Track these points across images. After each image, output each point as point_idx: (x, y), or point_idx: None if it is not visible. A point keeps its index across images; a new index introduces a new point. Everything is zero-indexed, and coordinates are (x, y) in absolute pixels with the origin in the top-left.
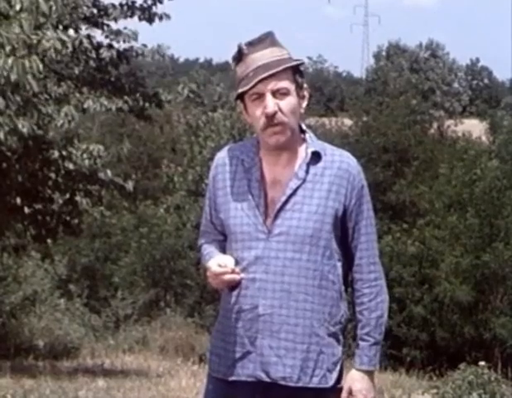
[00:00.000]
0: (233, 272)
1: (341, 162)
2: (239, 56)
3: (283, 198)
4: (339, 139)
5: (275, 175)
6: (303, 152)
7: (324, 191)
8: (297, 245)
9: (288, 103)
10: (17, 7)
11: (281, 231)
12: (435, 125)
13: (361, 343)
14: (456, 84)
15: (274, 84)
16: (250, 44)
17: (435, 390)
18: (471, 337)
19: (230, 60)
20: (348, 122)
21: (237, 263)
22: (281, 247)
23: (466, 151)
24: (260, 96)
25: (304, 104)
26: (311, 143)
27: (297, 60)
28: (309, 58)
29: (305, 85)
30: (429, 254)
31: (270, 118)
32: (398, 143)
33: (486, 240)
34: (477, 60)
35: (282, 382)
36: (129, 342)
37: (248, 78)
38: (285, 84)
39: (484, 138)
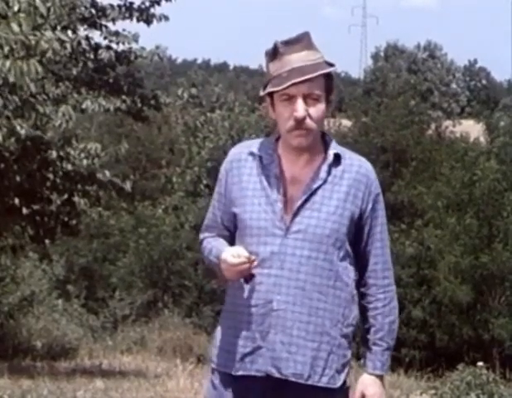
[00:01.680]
0: (249, 262)
1: (360, 166)
2: (274, 54)
3: (304, 196)
4: (337, 140)
5: (294, 173)
6: (323, 154)
7: (342, 194)
8: (314, 244)
9: (318, 109)
10: (15, 8)
11: (299, 229)
12: (433, 126)
13: (374, 348)
14: (454, 85)
15: (307, 89)
16: (287, 43)
17: (433, 391)
18: (470, 338)
19: (265, 55)
20: (346, 122)
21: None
22: (298, 244)
23: (465, 152)
24: (290, 98)
25: (330, 108)
26: (332, 146)
27: (330, 64)
28: None
29: (333, 91)
30: (428, 255)
31: (299, 123)
32: (396, 144)
33: (485, 241)
34: (475, 61)
35: (293, 379)
36: (127, 342)
37: (281, 78)
38: (317, 90)
39: (482, 139)
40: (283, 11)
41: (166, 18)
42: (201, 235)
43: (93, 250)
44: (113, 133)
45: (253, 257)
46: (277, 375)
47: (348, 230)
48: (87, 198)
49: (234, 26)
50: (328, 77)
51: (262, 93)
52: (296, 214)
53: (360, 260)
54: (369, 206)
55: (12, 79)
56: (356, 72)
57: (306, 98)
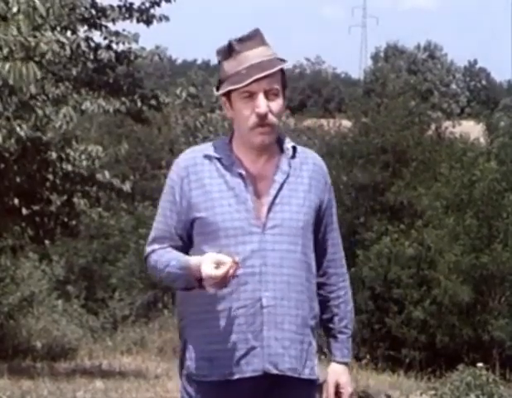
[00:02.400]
0: (235, 264)
1: (314, 158)
2: (229, 52)
3: (273, 192)
4: (337, 140)
5: (258, 170)
6: (278, 149)
7: (306, 185)
8: (291, 237)
9: (278, 104)
10: (14, 10)
11: (275, 224)
12: (433, 127)
13: (340, 336)
14: (454, 86)
15: (267, 85)
16: (241, 40)
17: (433, 392)
18: (470, 339)
19: (216, 54)
20: (346, 123)
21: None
22: (277, 240)
23: (464, 153)
24: (251, 95)
25: (285, 103)
26: (287, 140)
27: (283, 60)
28: (307, 59)
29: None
30: (427, 256)
31: (261, 118)
32: (396, 144)
33: (485, 242)
34: (475, 61)
35: (289, 373)
36: (127, 343)
37: (241, 75)
38: (276, 85)
39: (482, 140)
40: (283, 11)
41: (166, 19)
42: (149, 248)
43: (93, 251)
44: (113, 133)
45: (236, 258)
46: (274, 371)
47: (313, 221)
48: (87, 199)
49: (234, 26)
50: (283, 73)
51: (217, 93)
52: (269, 210)
53: (318, 250)
54: (327, 196)
55: (11, 82)
56: (356, 73)
57: (266, 93)
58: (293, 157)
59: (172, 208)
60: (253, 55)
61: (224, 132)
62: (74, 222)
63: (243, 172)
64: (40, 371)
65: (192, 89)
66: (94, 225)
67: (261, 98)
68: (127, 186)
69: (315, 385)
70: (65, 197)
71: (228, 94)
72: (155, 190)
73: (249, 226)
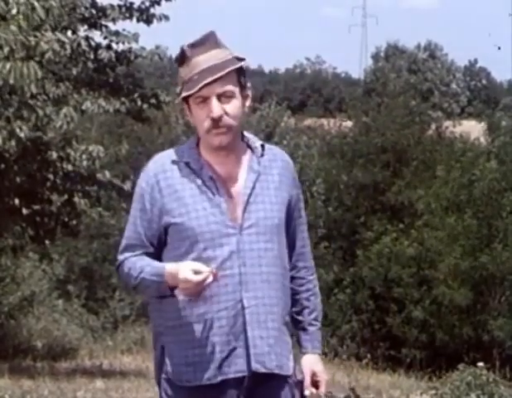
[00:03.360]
0: (213, 274)
1: (282, 154)
2: (182, 59)
3: (247, 191)
4: (338, 140)
5: (228, 172)
6: (247, 148)
7: (276, 182)
8: (267, 236)
9: (233, 106)
10: (14, 11)
11: (251, 224)
12: (433, 126)
13: (311, 328)
14: (454, 85)
15: (219, 88)
16: (193, 46)
17: (433, 391)
18: (470, 339)
19: (174, 61)
20: (346, 122)
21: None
22: (253, 239)
23: (463, 153)
24: (205, 99)
25: (247, 103)
26: (252, 138)
27: (240, 59)
28: (307, 59)
29: (248, 84)
30: (428, 256)
31: (215, 122)
32: (396, 144)
33: (484, 242)
34: (475, 61)
35: (276, 371)
36: (127, 342)
37: (193, 81)
38: (230, 87)
39: (482, 140)
40: (283, 11)
41: (167, 18)
42: (121, 257)
43: (93, 251)
44: (113, 133)
45: (213, 268)
46: (262, 370)
47: (285, 217)
48: (87, 198)
49: (234, 26)
50: (240, 72)
51: (177, 100)
52: (244, 210)
53: (289, 244)
54: (295, 192)
55: (11, 81)
56: (356, 72)
57: (220, 97)
58: (262, 155)
59: (143, 216)
60: (204, 60)
61: None
62: (74, 222)
63: (213, 175)
64: (40, 370)
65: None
66: (94, 225)
67: (214, 102)
68: (127, 186)
69: (291, 380)
70: (65, 197)
71: (187, 101)
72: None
73: (226, 228)
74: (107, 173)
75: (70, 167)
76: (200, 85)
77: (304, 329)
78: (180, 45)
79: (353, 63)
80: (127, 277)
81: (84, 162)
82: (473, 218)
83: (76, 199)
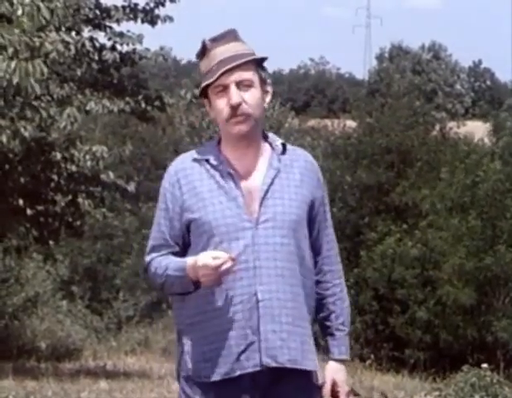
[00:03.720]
0: (231, 260)
1: (306, 155)
2: (203, 51)
3: (264, 187)
4: (342, 141)
5: (247, 167)
6: (268, 146)
7: (297, 181)
8: (284, 230)
9: (252, 95)
10: (19, 12)
11: (267, 218)
12: (437, 127)
13: (338, 333)
14: (458, 86)
15: (238, 76)
16: (214, 40)
17: (437, 393)
18: (474, 339)
19: (195, 58)
20: (350, 123)
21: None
22: (269, 233)
23: (468, 154)
24: (224, 88)
25: (267, 99)
26: (274, 137)
27: (254, 54)
28: (311, 60)
29: (268, 81)
30: (432, 256)
31: (234, 109)
32: (400, 145)
33: (489, 243)
34: (480, 61)
35: (288, 365)
36: (131, 343)
37: (212, 71)
38: (248, 75)
39: (486, 140)
40: (287, 11)
41: (171, 19)
42: (148, 258)
43: (97, 251)
44: (117, 134)
45: (232, 254)
46: (273, 364)
47: (306, 217)
48: (91, 199)
49: (237, 26)
50: (260, 67)
51: (198, 95)
52: (260, 204)
53: (313, 247)
54: (320, 193)
55: (16, 79)
56: (360, 73)
57: (239, 85)
58: (283, 154)
59: (166, 215)
60: (223, 51)
61: None
62: (78, 223)
63: (232, 171)
64: (44, 371)
65: (197, 91)
66: (98, 226)
67: (233, 89)
68: (131, 187)
69: (316, 377)
70: (69, 198)
71: (206, 95)
72: (159, 190)
73: (241, 222)
74: (111, 174)
75: (73, 168)
76: (220, 73)
77: (331, 334)
78: (184, 45)
79: (357, 64)
80: (154, 276)
81: (88, 163)
82: (477, 219)
83: (80, 200)
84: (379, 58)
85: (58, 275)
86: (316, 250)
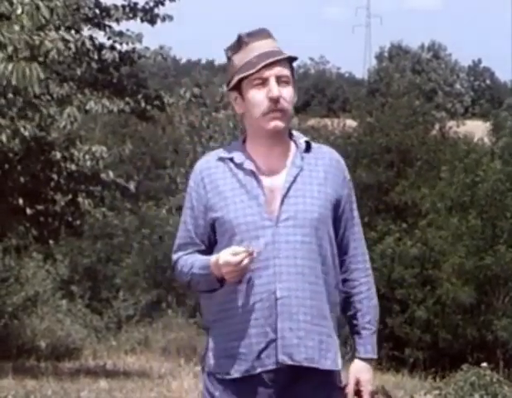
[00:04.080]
0: (250, 253)
1: (331, 153)
2: (239, 45)
3: (286, 185)
4: (342, 140)
5: (270, 165)
6: (292, 144)
7: (321, 179)
8: (305, 229)
9: (289, 91)
10: (18, 11)
11: (288, 216)
12: (437, 126)
13: (364, 332)
14: (458, 86)
15: (279, 71)
16: (250, 34)
17: (437, 392)
18: (474, 339)
19: (226, 51)
20: (350, 122)
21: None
22: (290, 232)
23: (467, 154)
24: (263, 81)
25: (295, 99)
26: (298, 135)
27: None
28: (311, 59)
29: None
30: (431, 256)
31: (274, 103)
32: (400, 144)
33: (489, 242)
34: (479, 61)
35: (305, 363)
36: (131, 343)
37: (252, 63)
38: (287, 72)
39: (486, 140)
40: (287, 11)
41: (171, 18)
42: (175, 256)
43: (97, 251)
44: (117, 133)
45: (250, 248)
46: (289, 362)
47: (331, 215)
48: (91, 199)
49: (238, 26)
50: (292, 68)
51: (227, 88)
52: (282, 202)
53: (340, 246)
54: (346, 191)
55: (14, 82)
56: (360, 72)
57: (277, 80)
58: (307, 152)
59: (191, 214)
60: (263, 45)
61: (230, 132)
62: (78, 222)
63: (254, 169)
64: (44, 370)
65: (196, 90)
66: (98, 225)
67: (273, 82)
68: (131, 186)
69: (336, 377)
70: (69, 197)
71: (238, 88)
72: (159, 190)
73: (262, 220)
74: (110, 173)
75: (73, 167)
76: (263, 64)
77: (358, 333)
78: (183, 45)
79: (357, 63)
80: (180, 275)
81: (88, 162)
82: (477, 218)
83: (80, 199)
84: (379, 57)
85: (58, 275)
86: (342, 249)
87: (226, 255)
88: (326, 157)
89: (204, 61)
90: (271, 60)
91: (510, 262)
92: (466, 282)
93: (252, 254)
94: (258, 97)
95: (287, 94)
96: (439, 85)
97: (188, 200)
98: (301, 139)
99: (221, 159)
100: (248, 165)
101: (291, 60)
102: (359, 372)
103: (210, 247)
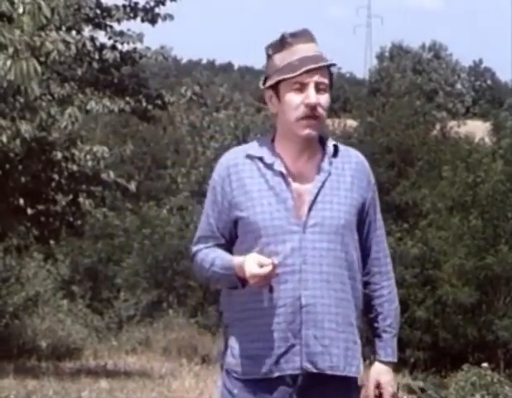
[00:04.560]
0: (274, 266)
1: (357, 156)
2: (282, 45)
3: (315, 190)
4: (343, 140)
5: (299, 169)
6: (321, 148)
7: (348, 184)
8: (331, 236)
9: (326, 99)
10: (20, 10)
11: (315, 222)
12: (438, 126)
13: (384, 335)
14: (459, 86)
15: (319, 78)
16: (294, 35)
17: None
18: (474, 339)
19: (267, 48)
20: (351, 122)
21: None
22: (316, 238)
23: (469, 154)
24: (302, 86)
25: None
26: (328, 139)
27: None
28: None
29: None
30: (432, 256)
31: (311, 109)
32: (401, 144)
33: (490, 242)
34: (480, 61)
35: (329, 372)
36: (132, 343)
37: (293, 66)
38: (326, 79)
39: (487, 140)
40: (288, 11)
41: (171, 18)
42: (194, 248)
43: (97, 251)
44: (118, 133)
45: (275, 261)
46: (313, 370)
47: (356, 220)
48: (92, 199)
49: (239, 26)
50: (330, 74)
51: (263, 85)
52: (310, 208)
53: (363, 249)
54: (370, 195)
55: (12, 77)
56: (361, 72)
57: (317, 86)
58: (335, 156)
59: (214, 208)
60: (306, 48)
61: (230, 131)
62: (79, 222)
63: (284, 171)
64: (45, 370)
65: (197, 88)
66: (98, 225)
67: (312, 89)
68: (132, 187)
69: (357, 379)
70: (70, 197)
71: (275, 87)
72: (160, 190)
73: (289, 225)
74: (111, 173)
75: (74, 168)
76: (304, 69)
77: (378, 336)
78: (184, 44)
79: (358, 63)
80: (199, 268)
81: (89, 163)
82: (478, 218)
83: (81, 199)
84: (380, 57)
85: (59, 275)
86: (365, 252)
87: (253, 267)
88: (353, 161)
89: (205, 61)
90: (313, 66)
91: None
92: (466, 282)
93: (274, 267)
94: (295, 101)
95: (324, 101)
96: (440, 85)
97: (212, 193)
98: (330, 143)
99: (249, 157)
100: (279, 166)
101: (330, 65)
102: (380, 375)
103: (230, 242)
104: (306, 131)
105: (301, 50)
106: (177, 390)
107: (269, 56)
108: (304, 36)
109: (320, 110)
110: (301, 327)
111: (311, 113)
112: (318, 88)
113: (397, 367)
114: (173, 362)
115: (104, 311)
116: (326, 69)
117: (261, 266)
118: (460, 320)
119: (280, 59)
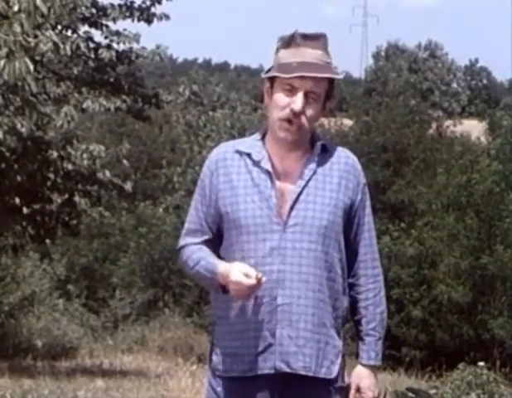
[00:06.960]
0: (257, 279)
1: (347, 157)
2: (290, 42)
3: (298, 189)
4: (338, 139)
5: (286, 167)
6: (311, 148)
7: (335, 185)
8: (312, 236)
9: (313, 109)
10: (15, 8)
11: (296, 222)
12: (433, 125)
13: (367, 338)
14: (454, 85)
15: (310, 87)
16: (305, 36)
17: (434, 391)
18: (470, 338)
19: (278, 40)
20: (347, 121)
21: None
22: (297, 238)
23: (462, 155)
24: (293, 90)
25: (324, 113)
26: (318, 138)
27: (337, 73)
28: None
29: (334, 96)
30: (428, 255)
31: (294, 115)
32: (397, 143)
33: (485, 242)
34: (476, 60)
35: (302, 372)
36: (128, 342)
37: (290, 67)
38: (319, 89)
39: (483, 139)
40: (284, 10)
41: (167, 17)
42: (182, 241)
43: (93, 250)
44: (114, 132)
45: (260, 275)
46: (286, 369)
47: (341, 221)
48: (88, 198)
49: (235, 25)
50: (332, 84)
51: (264, 75)
52: (292, 207)
53: (349, 251)
54: (359, 196)
55: (5, 77)
56: (357, 72)
57: (307, 94)
58: (324, 155)
59: (203, 201)
60: (310, 54)
61: (226, 130)
62: (74, 221)
63: (270, 169)
64: (40, 370)
65: (195, 87)
66: (94, 225)
67: (300, 96)
68: (128, 186)
69: (332, 384)
70: (65, 196)
71: (272, 81)
72: (156, 189)
73: (270, 224)
74: (107, 173)
75: (70, 167)
76: (296, 74)
77: (361, 339)
78: (179, 44)
79: (354, 62)
80: (184, 264)
81: (85, 162)
82: (474, 218)
83: (77, 198)
84: (376, 57)
85: (54, 274)
86: (352, 254)
87: (238, 274)
88: (342, 162)
89: (201, 60)
90: (307, 74)
91: (508, 262)
92: (462, 282)
93: (259, 280)
94: (282, 101)
95: (310, 111)
96: (436, 85)
97: (200, 186)
98: (319, 142)
99: (238, 152)
100: (265, 164)
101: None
102: (360, 378)
103: (218, 236)
104: (284, 134)
105: (305, 54)
106: (173, 390)
107: (277, 49)
108: (315, 41)
109: (303, 120)
110: (277, 326)
111: (293, 118)
112: (308, 96)
113: (392, 366)
114: (169, 361)
115: (100, 310)
116: (326, 80)
117: (246, 277)
118: (456, 319)
119: (283, 55)
